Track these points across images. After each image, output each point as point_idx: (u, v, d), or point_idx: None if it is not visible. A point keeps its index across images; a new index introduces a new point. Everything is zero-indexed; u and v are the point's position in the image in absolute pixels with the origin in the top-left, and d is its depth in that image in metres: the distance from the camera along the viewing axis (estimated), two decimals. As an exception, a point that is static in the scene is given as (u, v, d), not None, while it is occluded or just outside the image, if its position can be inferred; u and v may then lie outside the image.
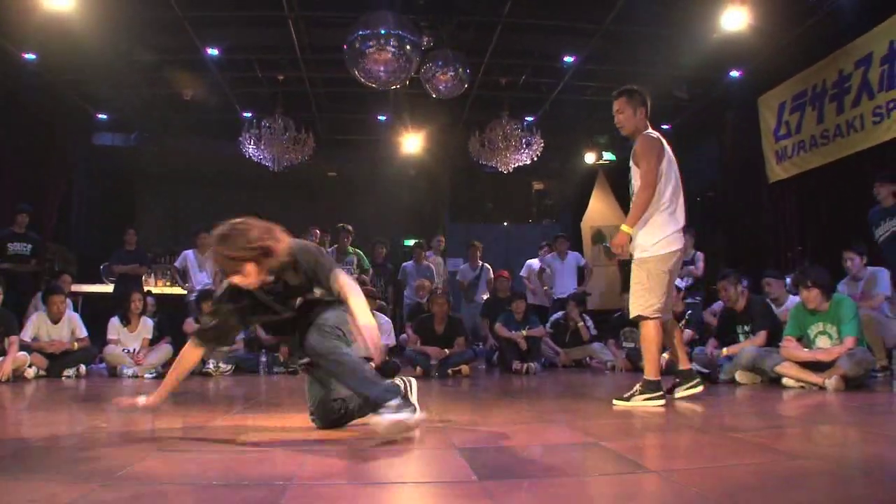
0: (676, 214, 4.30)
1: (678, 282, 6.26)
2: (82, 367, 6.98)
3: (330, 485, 2.24)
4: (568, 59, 9.64)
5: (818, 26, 8.03)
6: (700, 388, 4.51)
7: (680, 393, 4.51)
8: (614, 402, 4.27)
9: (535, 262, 9.95)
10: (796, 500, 2.02)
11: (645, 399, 4.20)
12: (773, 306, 6.47)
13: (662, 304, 4.27)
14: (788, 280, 6.86)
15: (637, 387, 4.26)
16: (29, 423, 3.98)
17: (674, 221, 4.27)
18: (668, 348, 4.71)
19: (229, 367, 7.34)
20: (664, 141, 4.38)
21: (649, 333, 4.27)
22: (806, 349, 5.35)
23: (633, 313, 4.33)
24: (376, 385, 2.95)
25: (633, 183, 4.36)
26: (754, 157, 9.60)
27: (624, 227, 4.23)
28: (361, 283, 8.25)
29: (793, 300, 6.24)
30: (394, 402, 2.87)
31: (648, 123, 4.44)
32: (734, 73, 9.70)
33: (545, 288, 9.78)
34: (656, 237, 4.23)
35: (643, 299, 4.25)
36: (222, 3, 8.28)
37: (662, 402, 4.21)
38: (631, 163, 4.39)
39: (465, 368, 7.17)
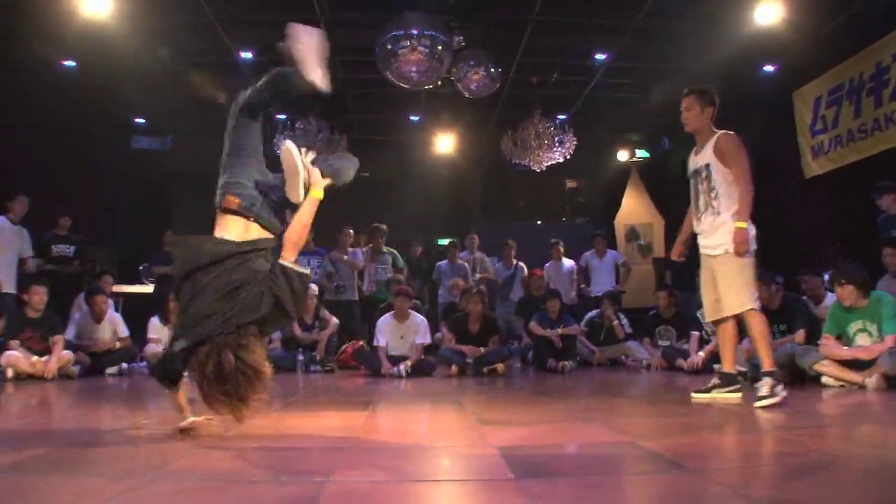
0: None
1: None
2: (124, 366, 7.13)
3: (368, 481, 2.26)
4: (599, 56, 9.57)
5: (853, 20, 7.85)
6: (739, 396, 4.37)
7: (717, 394, 4.42)
8: (755, 405, 4.01)
9: (547, 265, 9.86)
10: (833, 501, 2.00)
11: (774, 390, 4.07)
12: (811, 304, 6.35)
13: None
14: (827, 277, 6.73)
15: (767, 381, 4.08)
16: (74, 421, 4.10)
17: (751, 222, 4.32)
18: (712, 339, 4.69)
19: (266, 366, 7.40)
20: None
21: (760, 324, 4.29)
22: (846, 347, 5.26)
23: (741, 308, 4.28)
24: None
25: (715, 180, 4.39)
26: (786, 153, 9.41)
27: (740, 224, 4.23)
28: (396, 282, 8.33)
29: (832, 297, 6.12)
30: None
31: (712, 124, 4.52)
32: (768, 68, 9.52)
33: (582, 286, 9.74)
34: (750, 234, 4.28)
35: (746, 295, 4.28)
36: (254, 7, 8.38)
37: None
38: (711, 159, 4.43)
39: (500, 367, 7.15)
